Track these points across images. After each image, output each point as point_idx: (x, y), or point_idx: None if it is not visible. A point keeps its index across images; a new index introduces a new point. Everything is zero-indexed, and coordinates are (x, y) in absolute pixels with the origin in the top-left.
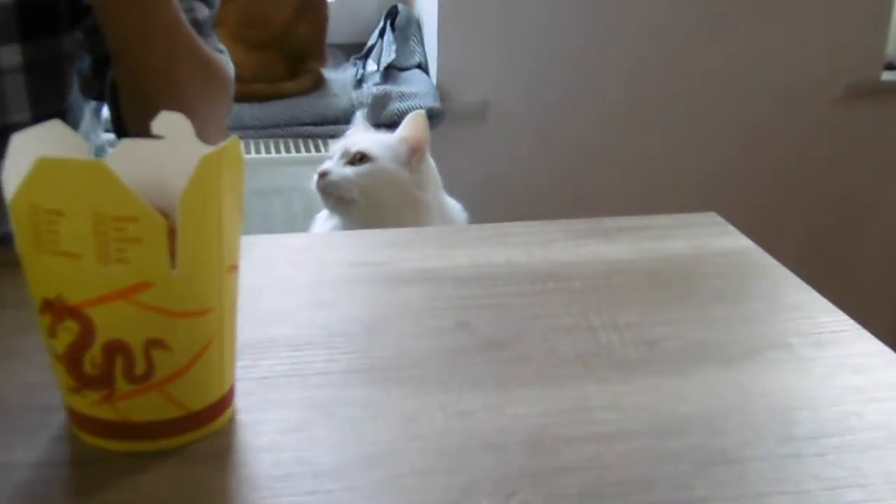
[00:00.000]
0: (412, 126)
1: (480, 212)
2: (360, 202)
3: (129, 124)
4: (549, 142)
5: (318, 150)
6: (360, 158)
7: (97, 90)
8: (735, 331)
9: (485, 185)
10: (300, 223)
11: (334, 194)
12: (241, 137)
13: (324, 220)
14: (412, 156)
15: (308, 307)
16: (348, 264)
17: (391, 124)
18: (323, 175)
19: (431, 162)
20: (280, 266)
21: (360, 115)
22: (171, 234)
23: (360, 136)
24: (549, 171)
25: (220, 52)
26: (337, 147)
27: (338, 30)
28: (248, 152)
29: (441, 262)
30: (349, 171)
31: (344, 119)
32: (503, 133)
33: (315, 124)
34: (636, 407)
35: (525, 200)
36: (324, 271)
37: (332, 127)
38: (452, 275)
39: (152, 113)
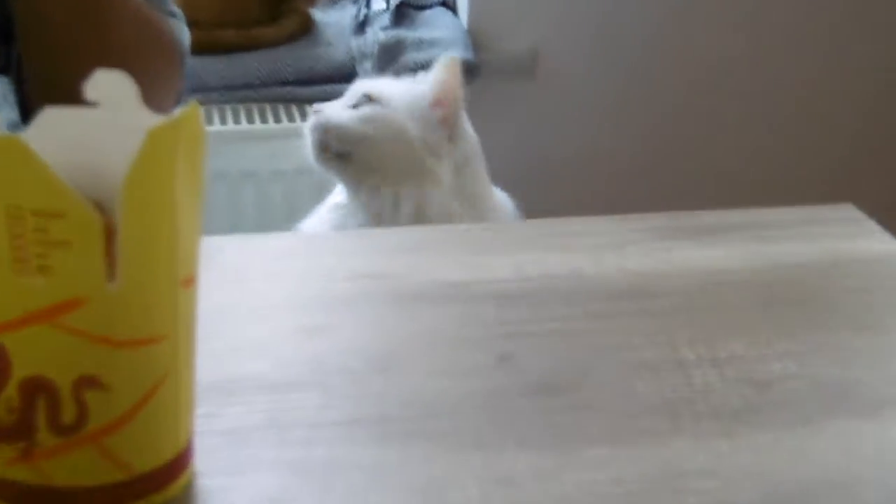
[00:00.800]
0: (442, 74)
1: (528, 202)
2: (357, 160)
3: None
4: (621, 107)
5: (305, 118)
6: (366, 101)
7: (2, 60)
8: (880, 368)
9: (533, 165)
10: (282, 218)
11: (325, 140)
12: (202, 103)
13: (324, 214)
14: (441, 114)
15: (293, 335)
16: (350, 276)
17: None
18: (317, 113)
19: (471, 130)
20: (255, 278)
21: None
22: (109, 234)
23: (378, 81)
24: (621, 148)
25: (172, 15)
26: (346, 92)
27: None
28: (212, 123)
29: (477, 272)
30: (349, 112)
31: (341, 76)
32: (558, 94)
33: (302, 83)
34: (742, 471)
35: (588, 187)
36: (316, 285)
37: (324, 87)
38: (492, 290)
39: (65, 93)
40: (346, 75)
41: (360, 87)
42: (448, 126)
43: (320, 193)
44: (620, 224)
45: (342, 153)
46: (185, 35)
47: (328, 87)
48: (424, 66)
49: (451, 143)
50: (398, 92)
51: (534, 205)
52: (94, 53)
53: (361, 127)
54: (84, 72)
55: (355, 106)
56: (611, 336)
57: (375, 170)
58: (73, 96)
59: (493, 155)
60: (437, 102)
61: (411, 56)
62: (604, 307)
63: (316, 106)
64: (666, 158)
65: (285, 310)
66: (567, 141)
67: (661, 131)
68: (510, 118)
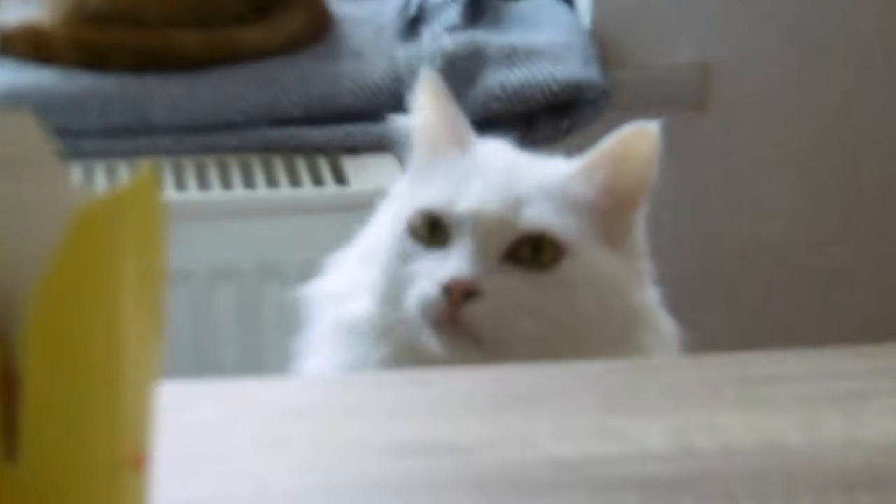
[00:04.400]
0: (628, 154)
1: (695, 317)
2: (531, 349)
3: None
4: (836, 154)
5: (316, 179)
6: (533, 247)
7: None
8: None
9: (700, 248)
10: (281, 344)
11: (493, 337)
12: (149, 155)
13: (335, 347)
14: (623, 220)
15: None
16: (397, 448)
17: (488, 123)
18: (468, 292)
19: (642, 234)
20: (248, 452)
21: (430, 86)
22: (7, 381)
23: (499, 171)
24: (836, 216)
25: None
26: (447, 209)
27: None
28: (165, 187)
29: (608, 443)
30: (524, 282)
31: (376, 108)
32: (742, 134)
33: (313, 121)
34: None
35: (789, 281)
36: (342, 466)
37: (349, 128)
38: (634, 475)
39: None
40: (390, 108)
41: (502, 210)
42: (626, 233)
43: None
44: (854, 361)
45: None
46: None
47: (360, 128)
48: (519, 91)
49: (626, 252)
50: (561, 200)
51: (704, 321)
52: None
53: (568, 309)
54: None
55: (512, 254)
56: None
57: (554, 350)
58: None
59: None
60: (616, 201)
61: (496, 77)
62: None
63: (450, 277)
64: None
65: (298, 502)
66: (754, 205)
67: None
68: (665, 172)
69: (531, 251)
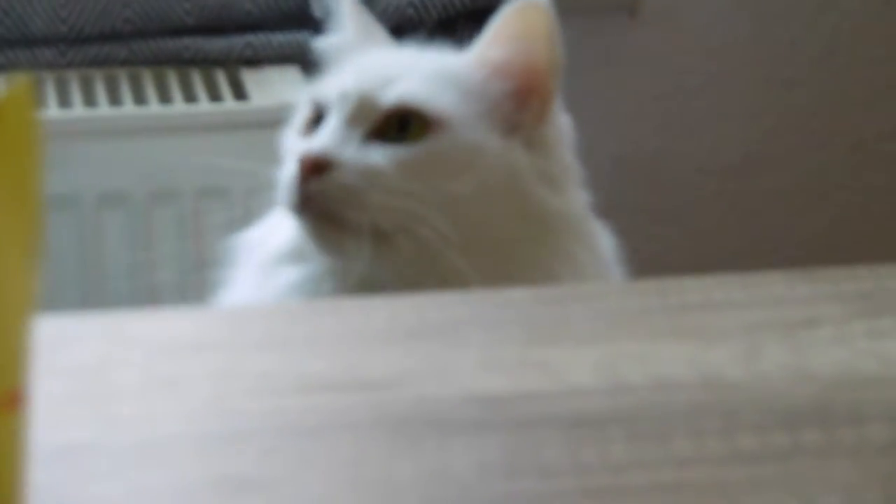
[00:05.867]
0: (516, 31)
1: (629, 216)
2: (410, 239)
3: None
4: (755, 58)
5: (214, 95)
6: (399, 123)
7: None
8: None
9: (632, 150)
10: (177, 277)
11: (348, 215)
12: (30, 70)
13: (255, 282)
14: (521, 107)
15: (210, 492)
16: (308, 385)
17: (402, 31)
18: (318, 166)
19: (565, 121)
20: (144, 390)
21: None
22: None
23: (381, 57)
24: (757, 120)
25: None
26: (325, 93)
27: None
28: (47, 106)
29: (534, 377)
30: (383, 155)
31: (282, 17)
32: (671, 41)
33: (210, 31)
34: None
35: (719, 184)
36: (250, 404)
37: (251, 38)
38: (560, 411)
39: None
40: (293, 16)
41: (367, 86)
42: (536, 119)
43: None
44: (800, 287)
45: (386, 233)
46: None
47: (261, 38)
48: (435, 2)
49: (539, 146)
50: (446, 84)
51: (638, 222)
52: None
53: (433, 188)
54: None
55: (380, 133)
56: (778, 495)
57: (463, 253)
58: None
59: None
60: (515, 85)
61: None
62: (764, 444)
63: (307, 151)
64: (821, 131)
65: (197, 448)
66: (696, 119)
67: (811, 92)
68: (599, 79)
69: (399, 128)
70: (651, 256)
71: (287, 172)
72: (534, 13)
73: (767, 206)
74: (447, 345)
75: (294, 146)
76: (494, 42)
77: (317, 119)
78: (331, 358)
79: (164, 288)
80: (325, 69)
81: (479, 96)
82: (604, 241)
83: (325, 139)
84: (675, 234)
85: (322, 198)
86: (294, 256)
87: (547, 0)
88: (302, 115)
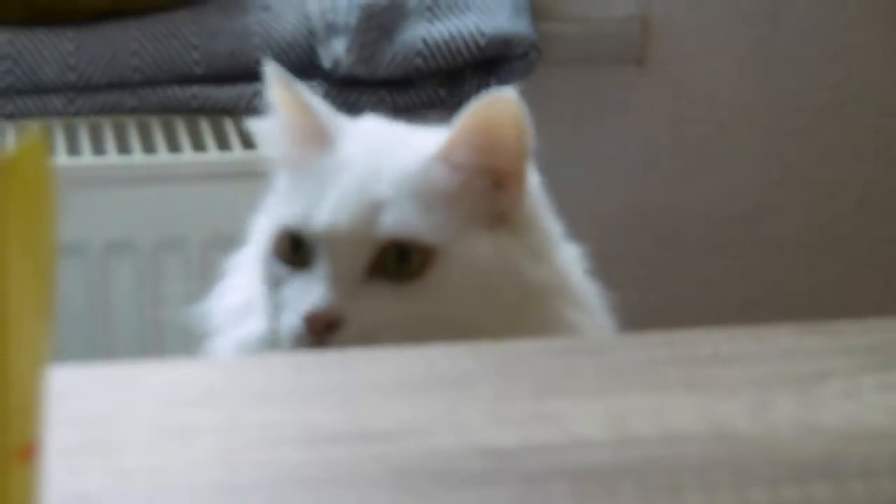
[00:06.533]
0: (485, 127)
1: (650, 287)
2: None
3: None
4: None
5: (223, 143)
6: (398, 255)
7: None
8: None
9: (645, 210)
10: (178, 331)
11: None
12: (38, 119)
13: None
14: (501, 198)
15: None
16: (313, 437)
17: (410, 81)
18: (328, 325)
19: (534, 181)
20: (145, 443)
21: (278, 81)
22: None
23: (351, 175)
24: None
25: None
26: (307, 228)
27: None
28: (56, 154)
29: (539, 430)
30: (391, 299)
31: (291, 63)
32: (686, 94)
33: (217, 79)
34: None
35: (733, 249)
36: (253, 456)
37: (262, 86)
38: (568, 465)
39: None
40: (303, 65)
41: (349, 220)
42: (513, 203)
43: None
44: (810, 340)
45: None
46: None
47: (257, 89)
48: (442, 49)
49: (519, 227)
50: (425, 189)
51: (645, 272)
52: None
53: (440, 320)
54: None
55: (378, 266)
56: None
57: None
58: None
59: (570, 195)
60: (490, 174)
61: (417, 32)
62: (775, 498)
63: (309, 309)
64: (829, 182)
65: (204, 499)
66: (704, 169)
67: (818, 143)
68: (606, 129)
69: (396, 261)
70: (658, 307)
71: (289, 324)
72: (500, 106)
73: (776, 257)
74: (455, 396)
75: (287, 291)
76: (466, 142)
77: (294, 247)
78: (337, 409)
79: (172, 336)
80: (268, 180)
81: (463, 199)
82: (593, 296)
83: (327, 292)
84: (683, 285)
85: (335, 348)
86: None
87: (513, 90)
88: (264, 237)
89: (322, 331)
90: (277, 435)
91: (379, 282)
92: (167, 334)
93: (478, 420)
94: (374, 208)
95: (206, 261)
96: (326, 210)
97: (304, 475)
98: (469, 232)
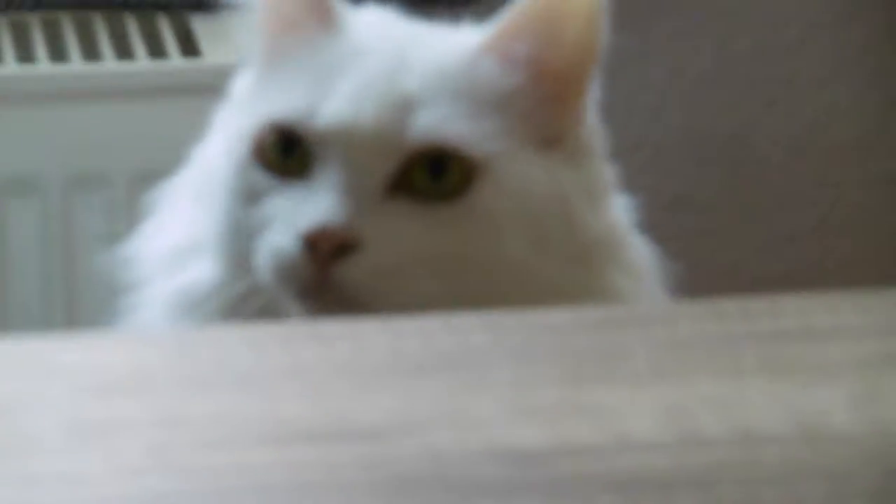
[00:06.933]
0: (554, 10)
1: (710, 238)
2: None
3: None
4: None
5: (156, 49)
6: (430, 167)
7: None
8: None
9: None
10: (96, 294)
11: (377, 304)
12: None
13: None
14: (560, 113)
15: None
16: (285, 434)
17: None
18: (340, 246)
19: (597, 123)
20: (58, 442)
21: None
22: None
23: (371, 58)
24: None
25: None
26: (309, 124)
27: None
28: None
29: (574, 428)
30: (420, 221)
31: None
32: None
33: None
34: None
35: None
36: (202, 457)
37: None
38: (610, 472)
39: None
40: None
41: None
42: (568, 122)
43: None
44: None
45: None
46: None
47: None
48: None
49: (577, 162)
50: (462, 89)
51: (719, 254)
52: None
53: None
54: None
55: (403, 172)
56: None
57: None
58: None
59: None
60: (558, 84)
61: None
62: None
63: (313, 224)
64: None
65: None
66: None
67: None
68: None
69: (428, 175)
70: (728, 267)
71: (279, 246)
72: None
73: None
74: (465, 383)
75: (272, 205)
76: (524, 30)
77: (285, 149)
78: (309, 398)
79: (90, 303)
80: (215, 96)
81: (514, 105)
82: (647, 260)
83: (338, 204)
84: (760, 237)
85: (346, 285)
86: (223, 307)
87: None
88: (245, 130)
89: (331, 253)
90: (230, 432)
91: (403, 199)
92: (83, 299)
93: (494, 413)
94: (405, 105)
95: (132, 200)
96: (340, 102)
97: (265, 483)
98: (520, 149)
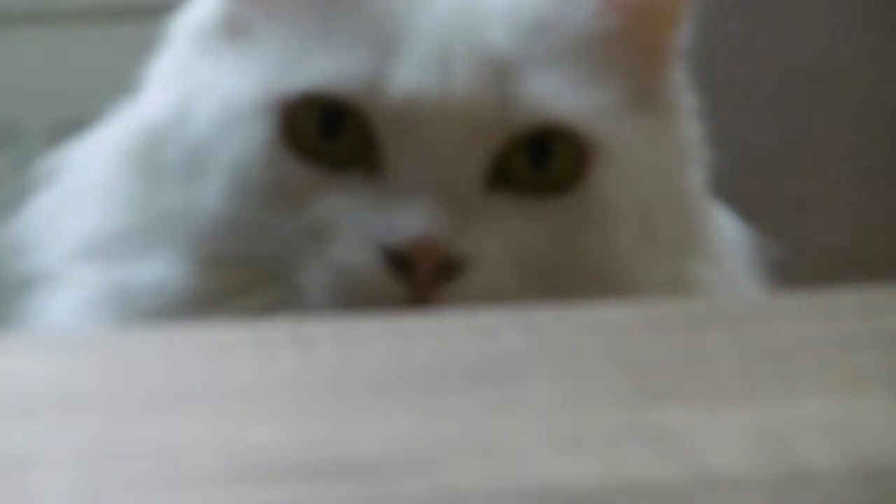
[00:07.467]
0: None
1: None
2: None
3: None
4: None
5: None
6: (532, 148)
7: None
8: None
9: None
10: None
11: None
12: None
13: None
14: (658, 72)
15: None
16: (269, 468)
17: None
18: (447, 267)
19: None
20: None
21: None
22: None
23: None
24: None
25: None
26: (373, 93)
27: None
28: None
29: (661, 457)
30: (530, 223)
31: None
32: None
33: None
34: None
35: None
36: (150, 496)
37: None
38: None
39: None
40: None
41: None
42: (657, 84)
43: None
44: None
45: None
46: None
47: None
48: None
49: (669, 125)
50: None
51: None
52: None
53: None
54: None
55: (491, 172)
56: None
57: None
58: None
59: None
60: (656, 39)
61: None
62: None
63: (418, 233)
64: None
65: None
66: None
67: None
68: None
69: (529, 161)
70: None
71: (353, 267)
72: None
73: None
74: (493, 401)
75: (325, 205)
76: None
77: (328, 131)
78: (290, 421)
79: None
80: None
81: (617, 66)
82: (732, 236)
83: (434, 208)
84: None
85: (447, 306)
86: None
87: None
88: (262, 107)
89: (434, 273)
90: (182, 467)
91: (503, 195)
92: None
93: (531, 442)
94: (499, 69)
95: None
96: (417, 66)
97: None
98: (626, 117)
